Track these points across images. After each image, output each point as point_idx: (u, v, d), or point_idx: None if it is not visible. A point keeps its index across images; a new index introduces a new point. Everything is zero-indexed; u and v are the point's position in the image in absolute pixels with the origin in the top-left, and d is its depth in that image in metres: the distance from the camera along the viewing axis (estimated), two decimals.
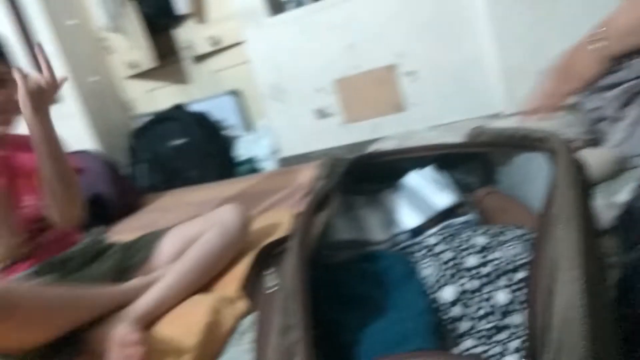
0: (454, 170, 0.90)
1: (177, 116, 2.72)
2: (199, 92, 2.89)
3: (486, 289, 0.57)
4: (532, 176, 0.73)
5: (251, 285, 0.63)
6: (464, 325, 0.55)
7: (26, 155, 1.14)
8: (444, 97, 2.11)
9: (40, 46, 1.05)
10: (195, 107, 2.77)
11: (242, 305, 1.08)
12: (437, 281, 0.61)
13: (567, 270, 0.47)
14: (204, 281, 1.15)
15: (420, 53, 2.10)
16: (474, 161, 0.90)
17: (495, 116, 1.99)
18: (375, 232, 0.76)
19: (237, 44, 2.58)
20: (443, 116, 2.11)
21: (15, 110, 1.04)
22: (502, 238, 0.63)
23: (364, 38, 2.16)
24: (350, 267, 0.68)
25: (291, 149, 2.49)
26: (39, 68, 1.06)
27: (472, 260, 0.61)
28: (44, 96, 1.04)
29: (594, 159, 1.12)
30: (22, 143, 1.14)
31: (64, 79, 1.08)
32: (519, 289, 0.56)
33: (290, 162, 2.50)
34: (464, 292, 0.58)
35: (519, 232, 0.65)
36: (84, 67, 2.83)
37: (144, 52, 2.72)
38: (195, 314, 1.01)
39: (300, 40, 2.26)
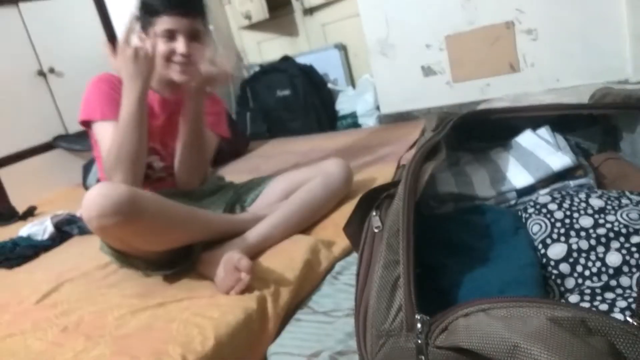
0: (570, 134, 0.86)
1: (284, 68, 2.80)
2: (307, 45, 2.94)
3: (599, 249, 0.55)
4: None
5: (355, 225, 0.67)
6: (569, 282, 0.55)
7: None
8: (565, 59, 1.95)
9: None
10: (302, 60, 2.82)
11: (338, 249, 1.15)
12: (547, 238, 0.60)
13: None
14: (305, 225, 1.23)
15: (542, 9, 1.95)
16: (594, 125, 0.85)
17: (623, 82, 1.81)
18: (482, 188, 0.76)
19: None
20: (562, 79, 1.97)
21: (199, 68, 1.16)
22: (619, 202, 0.61)
23: None
24: (455, 217, 0.69)
25: (394, 106, 2.47)
26: None
27: (586, 221, 0.59)
28: (212, 82, 1.18)
29: None
30: None
31: (230, 77, 1.23)
32: (631, 253, 0.54)
33: (391, 120, 2.48)
34: (574, 250, 0.57)
35: (638, 198, 0.62)
36: None
37: (256, 3, 2.81)
38: (296, 251, 1.09)
39: None
